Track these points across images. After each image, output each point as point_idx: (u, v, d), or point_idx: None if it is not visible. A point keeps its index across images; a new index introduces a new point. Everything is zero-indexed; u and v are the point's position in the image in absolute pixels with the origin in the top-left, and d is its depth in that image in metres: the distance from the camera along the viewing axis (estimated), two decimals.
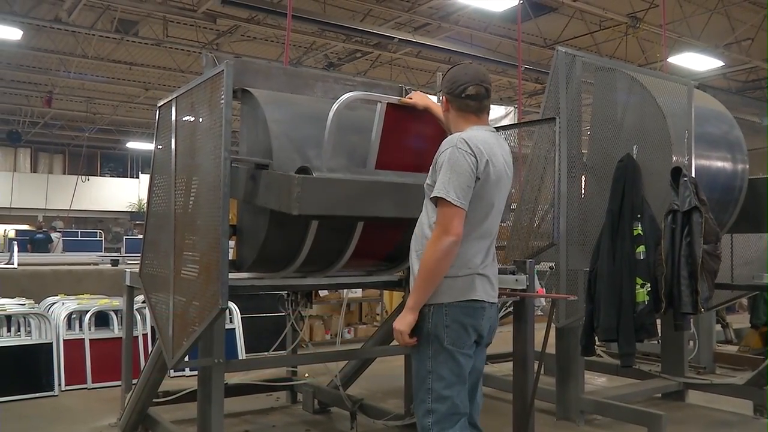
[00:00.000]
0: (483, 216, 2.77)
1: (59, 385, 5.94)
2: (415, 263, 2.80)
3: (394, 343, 3.35)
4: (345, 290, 6.89)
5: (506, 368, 5.70)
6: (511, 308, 4.12)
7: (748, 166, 5.62)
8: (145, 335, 6.45)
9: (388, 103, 3.56)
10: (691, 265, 4.47)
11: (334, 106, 3.42)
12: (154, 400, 4.68)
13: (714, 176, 5.32)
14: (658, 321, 5.07)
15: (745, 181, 5.56)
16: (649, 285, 4.44)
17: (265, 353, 6.18)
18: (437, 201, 2.67)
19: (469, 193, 2.65)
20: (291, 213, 3.15)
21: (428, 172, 2.83)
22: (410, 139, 3.78)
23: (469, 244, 2.73)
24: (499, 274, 3.89)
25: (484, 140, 2.76)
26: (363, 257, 3.93)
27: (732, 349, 7.91)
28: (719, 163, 5.43)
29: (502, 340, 5.43)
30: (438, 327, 2.71)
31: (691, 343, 6.56)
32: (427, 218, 2.80)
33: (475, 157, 2.67)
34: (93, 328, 6.35)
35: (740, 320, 9.36)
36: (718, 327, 8.32)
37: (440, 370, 2.72)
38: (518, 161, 5.90)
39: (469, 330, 2.75)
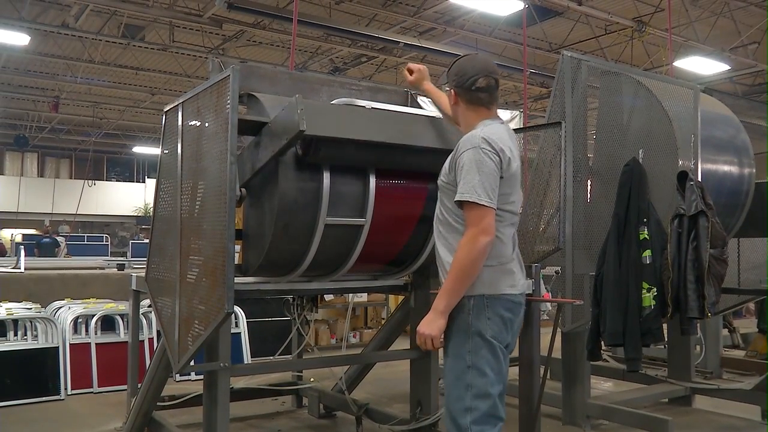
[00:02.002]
0: (509, 208, 2.73)
1: (65, 389, 5.95)
2: (445, 255, 2.73)
3: (396, 347, 3.36)
4: (350, 294, 6.90)
5: (512, 372, 5.67)
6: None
7: (754, 170, 5.60)
8: (151, 339, 6.45)
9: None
10: (697, 270, 4.45)
11: None
12: (160, 404, 4.68)
13: (720, 180, 5.31)
14: (665, 325, 5.05)
15: (751, 185, 5.54)
16: (655, 289, 4.42)
17: (271, 357, 6.18)
18: (464, 204, 2.60)
19: (496, 192, 2.61)
20: (299, 131, 3.13)
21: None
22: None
23: (500, 237, 2.68)
24: None
25: (501, 135, 2.72)
26: (368, 261, 3.93)
27: (739, 353, 7.86)
28: (726, 167, 5.41)
29: None
30: (480, 319, 2.61)
31: (698, 347, 6.53)
32: (443, 214, 2.77)
33: (499, 156, 2.63)
34: (99, 333, 6.37)
35: (747, 325, 9.31)
36: (725, 331, 8.27)
37: (482, 365, 2.58)
38: (524, 166, 5.90)
39: (507, 326, 2.67)
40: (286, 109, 3.30)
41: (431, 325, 2.60)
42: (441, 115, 3.97)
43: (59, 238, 18.59)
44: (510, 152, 2.68)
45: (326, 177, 3.49)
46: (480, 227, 2.54)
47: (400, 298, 8.13)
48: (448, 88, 2.90)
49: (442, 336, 2.65)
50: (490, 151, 2.61)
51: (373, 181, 3.63)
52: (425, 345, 2.62)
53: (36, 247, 16.82)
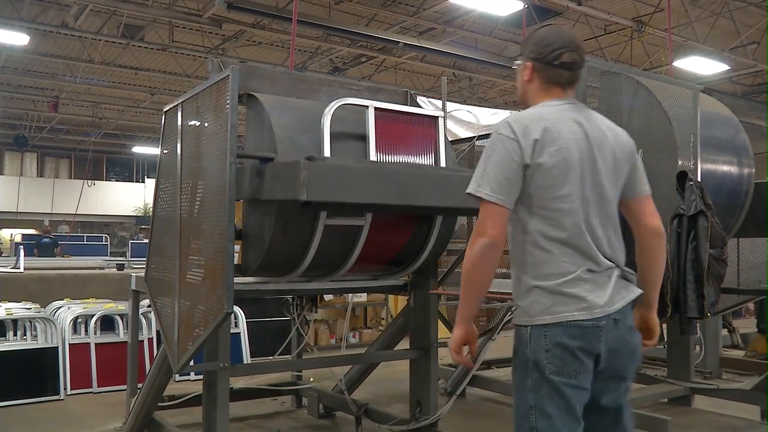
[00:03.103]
0: (557, 206, 2.22)
1: (65, 389, 5.95)
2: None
3: (396, 347, 3.35)
4: (350, 294, 6.90)
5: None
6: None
7: (754, 170, 5.59)
8: (150, 339, 6.45)
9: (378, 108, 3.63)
10: (697, 270, 4.45)
11: (325, 118, 3.49)
12: (160, 404, 4.68)
13: (720, 180, 5.31)
14: (664, 325, 5.05)
15: (751, 185, 5.54)
16: None
17: (270, 357, 6.18)
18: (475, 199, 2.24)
19: (512, 185, 2.18)
20: (299, 199, 3.13)
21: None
22: (406, 142, 3.82)
23: (554, 247, 2.20)
24: (504, 278, 3.92)
25: (542, 116, 2.27)
26: (368, 261, 3.94)
27: (739, 353, 7.86)
28: (725, 167, 5.41)
29: (507, 344, 5.41)
30: (538, 352, 2.17)
31: (698, 347, 6.52)
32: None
33: (518, 141, 2.20)
34: (98, 332, 6.37)
35: (747, 325, 9.31)
36: (725, 331, 8.28)
37: (544, 406, 2.16)
38: None
39: (578, 354, 2.15)
40: (290, 169, 3.24)
41: (451, 337, 2.36)
42: (442, 114, 3.98)
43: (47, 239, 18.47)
44: (548, 135, 2.21)
45: None
46: (478, 226, 2.20)
47: (401, 298, 8.15)
48: (521, 62, 2.44)
49: (469, 348, 2.36)
50: (507, 136, 2.22)
51: None
52: (453, 359, 2.39)
53: (35, 247, 16.81)
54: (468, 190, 2.23)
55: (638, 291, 2.28)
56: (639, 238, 2.41)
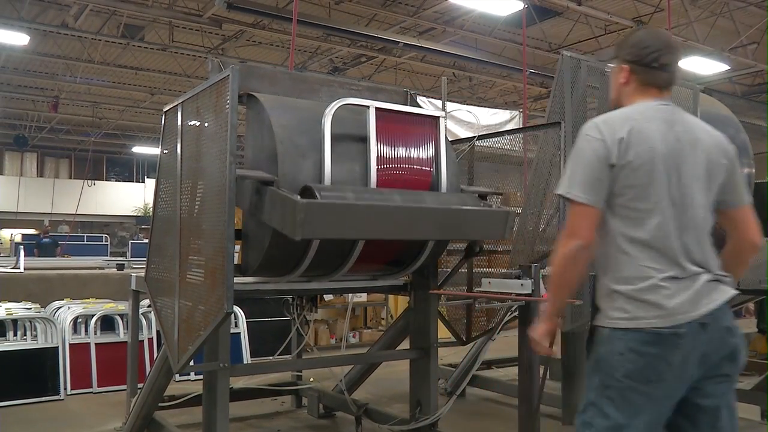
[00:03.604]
0: (642, 211, 2.19)
1: (65, 389, 5.95)
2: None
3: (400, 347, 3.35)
4: (350, 294, 6.90)
5: (512, 373, 5.68)
6: (517, 313, 4.12)
7: (754, 170, 5.59)
8: (150, 339, 6.45)
9: (379, 108, 3.62)
10: None
11: (326, 119, 3.49)
12: (160, 404, 4.68)
13: None
14: None
15: (751, 185, 5.53)
16: None
17: (270, 357, 6.18)
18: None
19: (601, 185, 2.18)
20: (294, 238, 3.18)
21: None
22: (406, 142, 3.81)
23: (635, 249, 2.18)
24: (504, 278, 3.93)
25: (630, 116, 2.26)
26: (368, 261, 3.94)
27: None
28: None
29: (507, 344, 5.42)
30: (611, 354, 2.17)
31: None
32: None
33: (604, 141, 2.19)
34: (99, 333, 6.37)
35: (747, 325, 9.29)
36: None
37: (604, 405, 2.16)
38: (523, 166, 5.90)
39: (653, 362, 2.11)
40: (286, 204, 3.23)
41: (534, 328, 2.40)
42: (443, 114, 3.98)
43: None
44: (634, 135, 2.19)
45: (326, 177, 3.50)
46: (569, 228, 2.21)
47: (401, 298, 8.15)
48: (616, 65, 2.43)
49: (551, 341, 2.41)
50: (593, 137, 2.21)
51: (373, 180, 3.62)
52: (533, 348, 2.46)
53: (36, 247, 16.81)
54: (557, 192, 2.26)
55: (731, 292, 2.23)
56: (733, 249, 2.41)
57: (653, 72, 2.34)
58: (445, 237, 3.96)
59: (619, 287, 2.20)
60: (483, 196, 4.06)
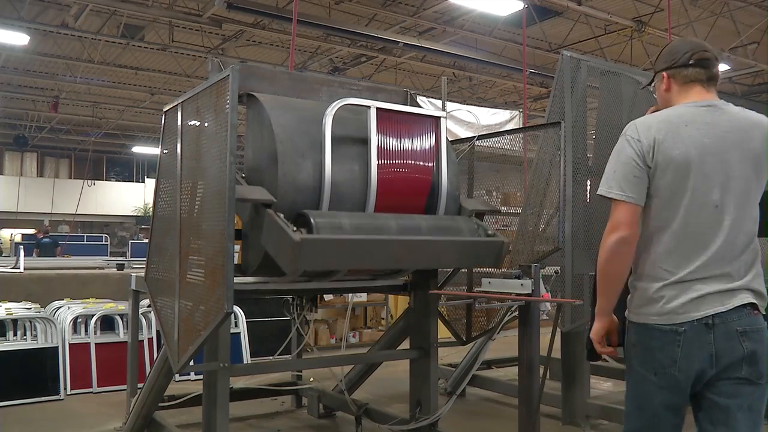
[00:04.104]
0: (673, 210, 2.27)
1: (65, 389, 5.95)
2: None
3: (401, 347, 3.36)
4: (350, 294, 6.89)
5: (512, 372, 5.68)
6: (517, 313, 4.11)
7: None
8: (150, 339, 6.45)
9: (380, 108, 3.62)
10: None
11: (327, 119, 3.50)
12: (160, 404, 4.68)
13: None
14: None
15: None
16: None
17: (270, 357, 6.18)
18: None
19: (640, 183, 2.28)
20: (287, 273, 3.26)
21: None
22: (407, 143, 3.81)
23: (655, 248, 2.30)
24: (504, 278, 3.92)
25: (668, 118, 2.33)
26: None
27: None
28: None
29: (507, 344, 5.43)
30: (629, 343, 2.39)
31: None
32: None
33: (640, 142, 2.28)
34: (98, 332, 6.37)
35: None
36: None
37: (630, 390, 2.41)
38: (523, 166, 5.90)
39: (656, 354, 2.27)
40: (281, 236, 3.25)
41: (593, 329, 2.47)
42: (444, 114, 3.98)
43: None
44: (668, 136, 2.27)
45: (327, 177, 3.50)
46: (611, 223, 2.30)
47: (401, 298, 8.15)
48: (657, 80, 2.51)
49: (610, 338, 2.47)
50: (632, 137, 2.31)
51: (374, 179, 3.62)
52: (598, 350, 2.50)
53: (36, 246, 16.81)
54: (599, 192, 2.36)
55: (745, 299, 2.26)
56: None
57: (690, 69, 2.39)
58: (439, 266, 4.08)
59: (637, 283, 2.35)
60: (481, 214, 4.07)
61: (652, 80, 2.56)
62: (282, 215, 3.33)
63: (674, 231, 2.27)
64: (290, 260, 3.19)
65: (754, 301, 2.27)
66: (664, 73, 2.45)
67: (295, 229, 3.26)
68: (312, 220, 3.31)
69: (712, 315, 2.21)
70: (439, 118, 3.95)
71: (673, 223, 2.27)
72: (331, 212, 3.50)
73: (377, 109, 3.68)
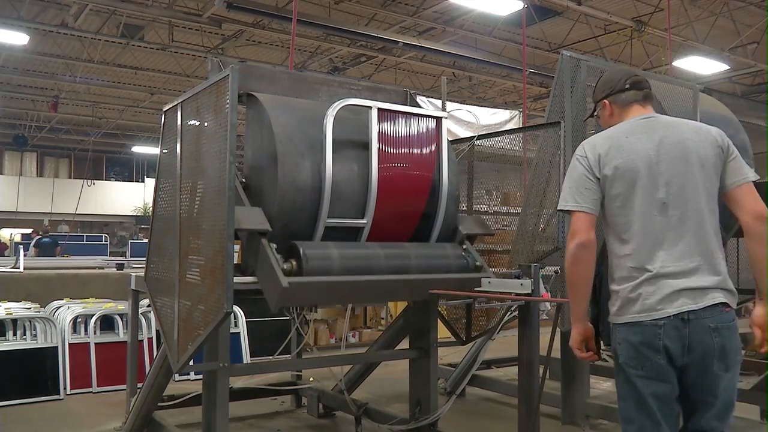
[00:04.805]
0: (629, 214, 2.47)
1: (64, 388, 5.95)
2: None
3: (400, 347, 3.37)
4: None
5: (511, 372, 5.68)
6: (516, 312, 4.11)
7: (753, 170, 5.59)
8: (150, 339, 6.45)
9: (381, 109, 3.64)
10: None
11: (328, 120, 3.49)
12: (159, 404, 4.68)
13: None
14: None
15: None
16: None
17: (270, 357, 6.17)
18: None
19: (592, 194, 2.50)
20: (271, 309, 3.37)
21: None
22: (407, 143, 3.81)
23: (622, 254, 2.50)
24: (504, 278, 3.92)
25: (611, 134, 2.57)
26: None
27: None
28: None
29: (507, 344, 5.43)
30: (615, 345, 2.54)
31: None
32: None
33: (587, 158, 2.53)
34: (98, 332, 6.37)
35: (746, 324, 9.30)
36: None
37: (620, 390, 2.54)
38: (523, 165, 5.90)
39: (641, 350, 2.42)
40: (269, 273, 3.34)
41: (571, 336, 2.65)
42: (445, 115, 3.98)
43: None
44: (614, 148, 2.49)
45: (328, 178, 3.50)
46: (570, 232, 2.52)
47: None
48: (599, 109, 2.77)
49: (588, 344, 2.66)
50: (580, 155, 2.56)
51: (374, 180, 3.62)
52: (577, 356, 2.68)
53: (35, 246, 16.79)
54: (558, 208, 2.58)
55: (718, 299, 2.43)
56: (743, 225, 2.51)
57: (627, 92, 2.66)
58: (425, 298, 4.16)
59: (615, 287, 2.54)
60: (472, 237, 4.13)
61: (594, 111, 2.80)
62: (275, 246, 3.40)
63: (634, 232, 2.46)
64: (276, 301, 3.30)
65: (725, 300, 2.46)
66: (605, 101, 2.71)
67: (285, 266, 3.33)
68: (302, 253, 3.37)
69: (687, 311, 2.38)
70: (440, 118, 3.94)
71: (631, 225, 2.46)
72: (322, 243, 3.55)
73: (378, 109, 3.68)
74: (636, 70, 2.72)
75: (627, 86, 2.65)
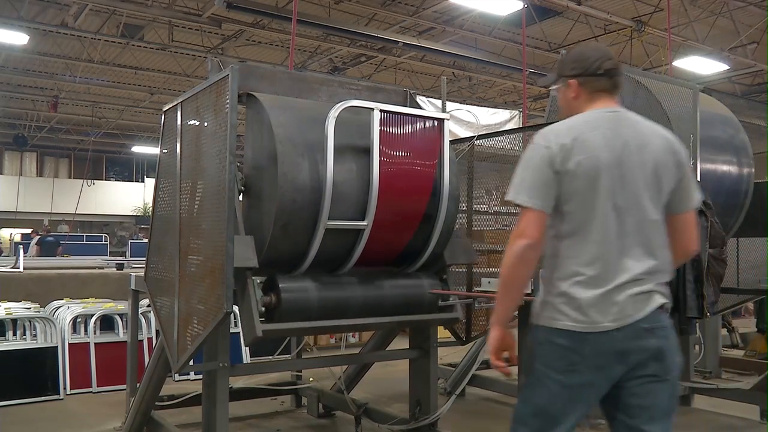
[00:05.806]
0: (587, 214, 2.28)
1: (64, 388, 5.95)
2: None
3: (396, 346, 3.37)
4: None
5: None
6: (516, 312, 4.11)
7: (753, 170, 5.60)
8: (150, 339, 6.45)
9: (383, 110, 3.64)
10: (696, 270, 4.45)
11: (329, 121, 3.50)
12: (159, 403, 4.68)
13: (719, 180, 5.31)
14: None
15: (750, 185, 5.54)
16: None
17: (270, 357, 6.18)
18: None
19: (548, 190, 2.28)
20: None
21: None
22: (408, 144, 3.81)
23: (570, 253, 2.30)
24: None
25: (575, 125, 2.35)
26: (370, 261, 3.93)
27: (738, 353, 7.87)
28: (724, 167, 5.41)
29: None
30: (534, 342, 2.38)
31: (697, 347, 6.52)
32: None
33: (549, 149, 2.28)
34: (98, 332, 6.37)
35: (746, 324, 9.31)
36: (724, 331, 8.28)
37: (527, 392, 2.39)
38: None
39: (567, 353, 2.27)
40: (248, 317, 3.43)
41: (488, 341, 2.43)
42: (447, 117, 3.97)
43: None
44: (579, 141, 2.28)
45: (329, 180, 3.50)
46: (517, 229, 2.29)
47: None
48: (562, 84, 2.52)
49: (509, 354, 2.42)
50: (540, 144, 2.32)
51: (375, 180, 3.62)
52: (492, 363, 2.45)
53: (38, 244, 16.79)
54: (507, 198, 2.35)
55: (659, 302, 2.32)
56: (674, 253, 2.44)
57: (599, 79, 2.43)
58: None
59: (549, 287, 2.36)
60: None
61: (556, 82, 2.56)
62: (259, 281, 3.51)
63: (588, 234, 2.28)
64: (251, 342, 3.46)
65: (664, 302, 2.34)
66: (573, 81, 2.47)
67: (265, 299, 3.46)
68: (280, 284, 3.51)
69: (639, 319, 2.25)
70: (442, 119, 3.94)
71: (587, 226, 2.28)
72: (302, 277, 3.65)
73: (381, 111, 3.65)
74: (609, 51, 2.51)
75: (600, 71, 2.42)
